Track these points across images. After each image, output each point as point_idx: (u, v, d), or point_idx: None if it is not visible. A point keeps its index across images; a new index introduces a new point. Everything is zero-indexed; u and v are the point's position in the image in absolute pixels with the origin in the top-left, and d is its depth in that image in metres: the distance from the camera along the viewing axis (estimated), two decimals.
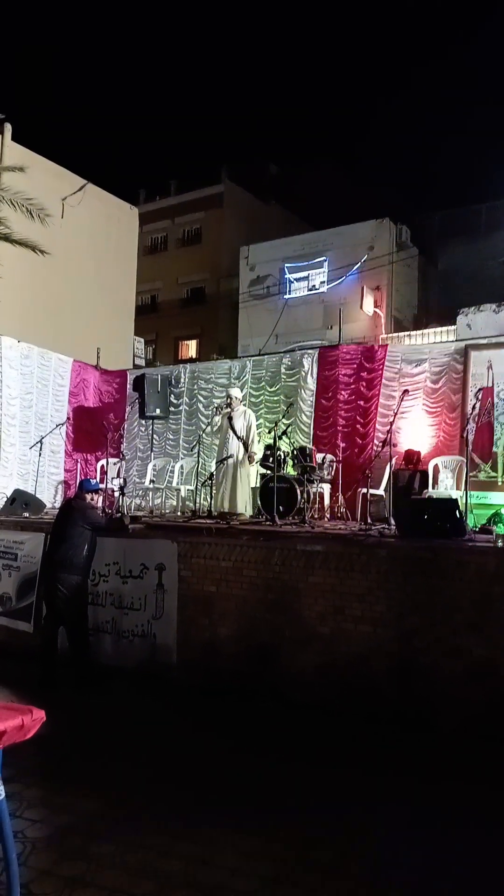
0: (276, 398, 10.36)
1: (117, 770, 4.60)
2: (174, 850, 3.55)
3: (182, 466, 10.49)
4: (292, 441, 9.15)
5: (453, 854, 3.56)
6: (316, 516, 8.42)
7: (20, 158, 13.94)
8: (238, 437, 8.20)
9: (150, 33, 61.91)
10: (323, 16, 54.98)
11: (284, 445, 8.61)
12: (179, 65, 57.71)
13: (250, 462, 8.22)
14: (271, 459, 8.06)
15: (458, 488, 8.14)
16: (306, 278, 20.45)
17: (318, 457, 8.93)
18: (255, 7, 56.59)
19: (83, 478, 8.96)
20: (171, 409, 11.20)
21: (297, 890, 3.25)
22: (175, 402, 11.30)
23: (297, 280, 20.66)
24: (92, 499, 6.77)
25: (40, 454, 10.08)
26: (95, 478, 10.39)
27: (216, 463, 8.30)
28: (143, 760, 4.77)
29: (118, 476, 9.62)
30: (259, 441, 8.86)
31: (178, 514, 9.49)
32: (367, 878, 3.36)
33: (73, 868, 3.35)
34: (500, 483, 8.34)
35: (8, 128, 15.04)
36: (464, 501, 7.00)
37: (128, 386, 11.82)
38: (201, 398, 11.13)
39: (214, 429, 8.47)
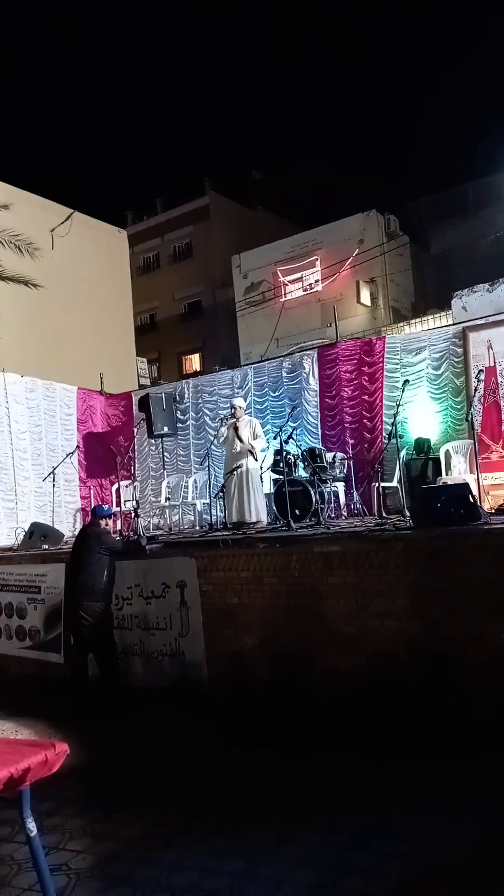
0: (280, 402, 10.37)
1: (157, 791, 4.60)
2: (219, 868, 3.53)
3: (195, 481, 10.52)
4: (300, 443, 9.13)
5: (499, 846, 3.51)
6: (333, 515, 8.40)
7: (4, 196, 14.09)
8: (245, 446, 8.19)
9: (122, 58, 62.55)
10: (291, 13, 55.21)
11: (293, 448, 8.60)
12: (149, 84, 58.18)
13: (254, 459, 8.10)
14: (282, 464, 8.05)
15: (471, 472, 8.08)
16: (300, 279, 20.49)
17: (329, 456, 8.91)
18: (221, 12, 56.96)
19: (97, 503, 9.03)
20: (179, 425, 11.24)
21: None
22: (182, 417, 11.34)
23: (291, 282, 20.70)
24: (107, 524, 6.81)
25: (54, 484, 10.17)
26: (111, 502, 10.46)
27: (225, 474, 8.30)
28: (183, 779, 4.77)
29: (132, 498, 9.67)
30: (268, 447, 8.85)
31: (196, 528, 9.52)
32: (410, 878, 3.34)
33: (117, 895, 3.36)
34: None
35: None
36: (477, 484, 6.94)
37: (134, 407, 11.89)
38: (207, 411, 11.17)
39: (221, 440, 8.48)
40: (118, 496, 10.43)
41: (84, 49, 59.86)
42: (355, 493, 8.91)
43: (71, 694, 6.42)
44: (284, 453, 8.11)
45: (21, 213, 13.51)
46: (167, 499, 10.58)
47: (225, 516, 8.31)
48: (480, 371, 8.07)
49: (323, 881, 3.35)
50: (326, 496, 8.31)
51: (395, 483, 8.32)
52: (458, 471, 8.37)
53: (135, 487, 10.85)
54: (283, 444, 7.92)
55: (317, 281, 20.31)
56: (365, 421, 9.53)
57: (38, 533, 9.04)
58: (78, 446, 11.73)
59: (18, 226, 12.13)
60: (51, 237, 16.12)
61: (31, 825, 2.56)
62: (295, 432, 8.82)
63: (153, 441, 11.42)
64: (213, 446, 9.60)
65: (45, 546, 8.80)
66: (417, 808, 3.96)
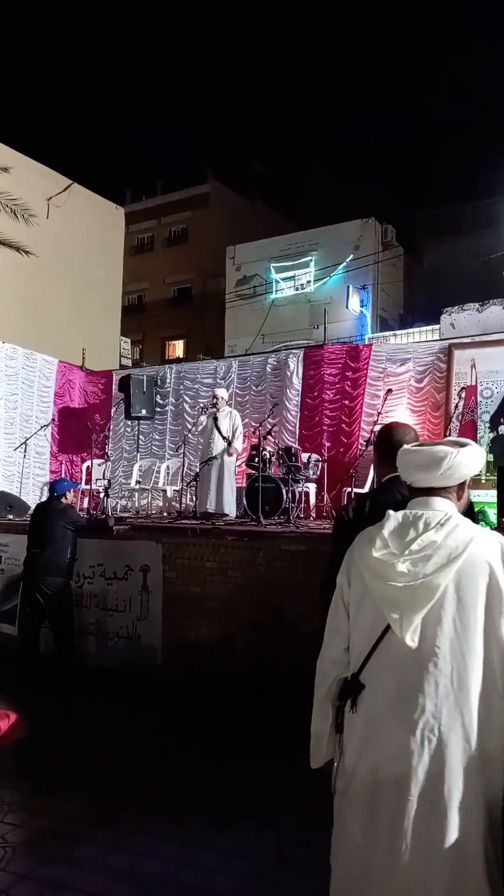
0: (261, 398, 10.38)
1: (99, 771, 4.57)
2: (154, 851, 3.53)
3: (168, 467, 10.48)
4: (277, 441, 9.16)
5: None
6: (302, 516, 8.43)
7: (4, 158, 13.83)
8: (223, 438, 8.19)
9: (134, 33, 61.78)
10: (303, 13, 55.07)
11: (270, 445, 8.62)
12: (165, 63, 57.63)
13: (228, 455, 8.16)
14: (257, 459, 8.06)
15: None
16: (292, 278, 20.49)
17: (304, 456, 8.95)
18: (234, 5, 56.60)
19: (61, 477, 8.93)
20: (157, 409, 11.19)
21: (275, 888, 3.24)
22: (161, 402, 11.29)
23: (284, 280, 20.69)
24: (74, 499, 6.74)
25: (25, 455, 10.05)
26: (80, 479, 10.36)
27: (200, 464, 8.29)
28: (126, 761, 4.75)
29: (103, 477, 9.60)
30: (244, 442, 8.86)
31: (165, 514, 9.48)
32: None
33: (52, 872, 3.33)
34: (483, 480, 8.37)
35: None
36: None
37: (113, 386, 11.80)
38: (187, 398, 11.12)
39: (199, 429, 8.46)
40: (89, 474, 10.34)
41: (103, 23, 59.02)
42: (326, 496, 8.95)
43: (17, 664, 6.34)
44: (261, 449, 8.12)
45: (19, 177, 13.25)
46: (138, 482, 10.53)
47: (195, 505, 8.29)
48: (462, 388, 8.17)
49: (257, 873, 3.36)
50: (297, 496, 8.34)
51: (366, 490, 8.38)
52: None
53: (106, 467, 10.76)
54: (261, 440, 7.93)
55: (308, 282, 20.33)
56: (343, 426, 9.58)
57: (4, 502, 8.92)
58: (53, 419, 11.60)
59: (15, 190, 11.91)
60: (47, 205, 15.87)
61: None
62: (273, 430, 8.83)
63: (129, 422, 11.35)
64: (190, 434, 9.57)
65: (10, 517, 8.68)
66: None
